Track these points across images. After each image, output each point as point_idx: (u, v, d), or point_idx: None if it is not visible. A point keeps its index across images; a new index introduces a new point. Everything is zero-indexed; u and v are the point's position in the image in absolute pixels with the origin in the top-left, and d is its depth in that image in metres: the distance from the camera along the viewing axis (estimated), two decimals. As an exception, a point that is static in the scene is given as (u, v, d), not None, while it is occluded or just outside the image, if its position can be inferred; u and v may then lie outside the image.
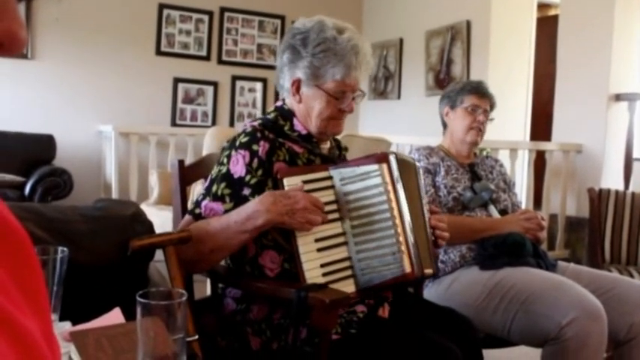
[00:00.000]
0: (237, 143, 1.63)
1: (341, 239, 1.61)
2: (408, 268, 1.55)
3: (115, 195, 5.26)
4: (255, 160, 1.60)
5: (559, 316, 1.84)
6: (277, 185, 1.60)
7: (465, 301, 2.08)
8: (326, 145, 1.80)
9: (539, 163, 4.56)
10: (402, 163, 1.66)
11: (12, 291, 0.42)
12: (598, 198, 3.24)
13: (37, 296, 0.47)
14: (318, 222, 1.54)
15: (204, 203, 1.61)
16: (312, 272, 1.54)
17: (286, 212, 1.50)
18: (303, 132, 1.72)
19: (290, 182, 1.58)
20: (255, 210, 1.50)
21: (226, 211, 1.57)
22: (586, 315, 1.82)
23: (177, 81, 6.10)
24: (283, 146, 1.66)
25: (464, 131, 2.40)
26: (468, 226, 2.24)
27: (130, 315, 1.04)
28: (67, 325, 1.19)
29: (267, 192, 1.55)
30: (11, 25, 0.45)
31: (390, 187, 1.59)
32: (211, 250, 1.55)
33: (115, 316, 1.24)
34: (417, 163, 2.30)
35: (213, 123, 6.25)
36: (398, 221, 1.57)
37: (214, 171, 1.66)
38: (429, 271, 1.61)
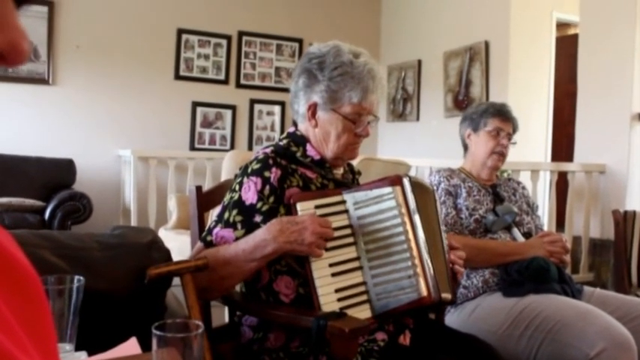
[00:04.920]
0: (249, 170, 1.62)
1: (356, 264, 1.58)
2: (424, 292, 1.52)
3: (133, 219, 5.28)
4: (267, 187, 1.59)
5: (587, 346, 1.79)
6: (290, 210, 1.58)
7: (488, 328, 2.03)
8: (339, 171, 1.78)
9: (561, 184, 4.49)
10: (418, 186, 1.63)
11: (16, 331, 0.40)
12: (623, 220, 3.18)
13: (43, 335, 0.45)
14: (325, 246, 1.52)
15: (215, 231, 1.60)
16: (327, 297, 1.52)
17: (294, 240, 1.48)
18: (316, 157, 1.70)
19: (303, 207, 1.56)
20: (262, 239, 1.49)
21: (237, 239, 1.56)
22: (615, 346, 1.77)
23: (195, 105, 6.14)
24: (296, 172, 1.65)
25: (486, 155, 2.37)
26: (491, 249, 2.20)
27: (146, 344, 1.02)
28: (83, 356, 1.17)
29: (275, 219, 1.53)
30: (13, 36, 0.44)
31: (404, 210, 1.56)
32: (222, 278, 1.53)
33: (131, 346, 1.21)
34: (439, 185, 2.29)
35: (232, 147, 6.28)
36: (413, 244, 1.54)
37: (226, 198, 1.65)
38: (446, 295, 1.57)
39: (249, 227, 1.56)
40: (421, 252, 1.54)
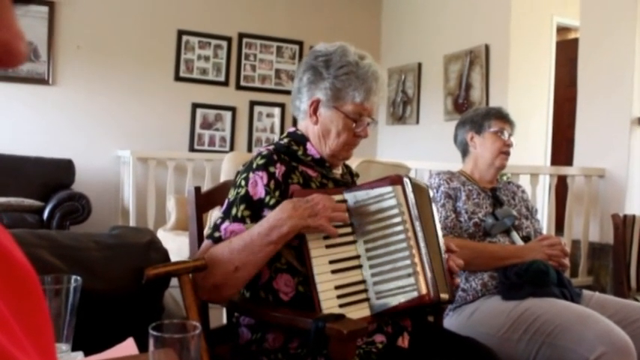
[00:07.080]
0: (255, 165, 1.63)
1: (355, 262, 1.58)
2: (423, 290, 1.52)
3: (132, 220, 5.27)
4: (273, 182, 1.60)
5: (586, 350, 1.79)
6: None
7: (487, 331, 2.02)
8: (338, 171, 1.80)
9: (561, 188, 4.48)
10: (416, 187, 1.65)
11: (13, 329, 0.40)
12: (622, 224, 3.17)
13: (41, 334, 0.45)
14: (343, 218, 1.52)
15: (223, 226, 1.59)
16: (327, 294, 1.52)
17: (308, 215, 1.49)
18: (316, 156, 1.73)
19: None
20: (277, 218, 1.49)
21: None
22: (614, 350, 1.76)
23: (195, 106, 6.13)
24: (297, 170, 1.67)
25: (493, 155, 2.38)
26: (489, 252, 2.19)
27: (144, 344, 1.01)
28: (79, 356, 1.17)
29: (286, 200, 1.54)
30: (8, 37, 0.41)
31: (404, 209, 1.57)
32: (236, 268, 1.50)
33: (128, 347, 1.21)
34: (439, 188, 2.29)
35: (231, 148, 6.27)
36: (413, 243, 1.55)
37: (231, 194, 1.65)
38: (444, 296, 1.58)
39: (259, 221, 1.56)
40: (421, 251, 1.55)
